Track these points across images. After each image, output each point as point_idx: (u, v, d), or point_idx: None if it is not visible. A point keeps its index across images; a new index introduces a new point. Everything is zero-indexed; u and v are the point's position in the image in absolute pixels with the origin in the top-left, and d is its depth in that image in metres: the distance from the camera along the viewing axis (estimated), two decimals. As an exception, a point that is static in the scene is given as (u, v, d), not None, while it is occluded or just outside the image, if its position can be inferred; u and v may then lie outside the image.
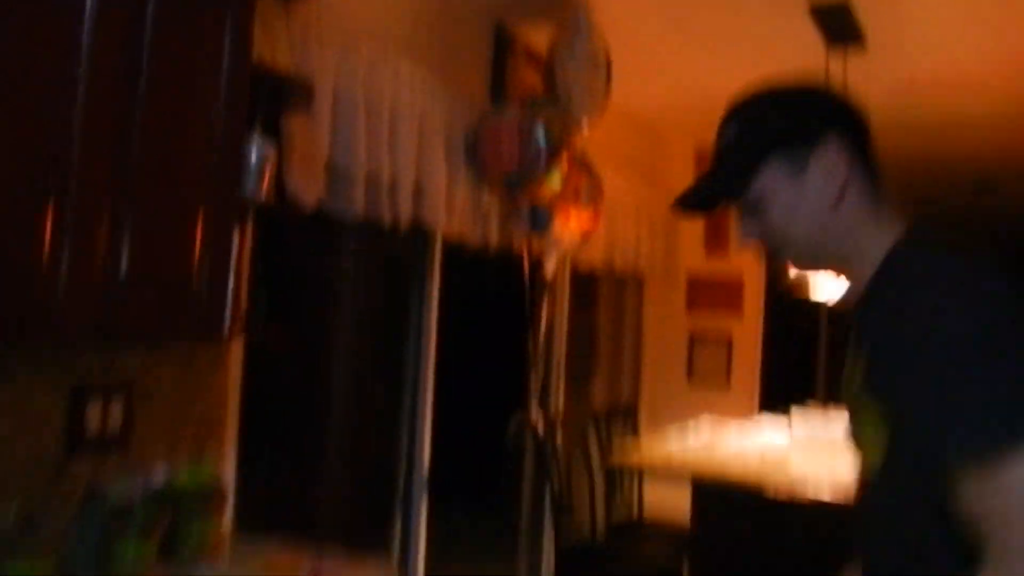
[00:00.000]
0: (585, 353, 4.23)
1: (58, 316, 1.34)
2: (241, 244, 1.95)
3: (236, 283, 1.72)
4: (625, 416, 3.91)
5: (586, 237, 2.90)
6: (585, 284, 4.02)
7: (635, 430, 3.89)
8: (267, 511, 2.28)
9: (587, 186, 2.84)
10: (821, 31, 2.90)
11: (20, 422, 1.62)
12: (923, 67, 3.27)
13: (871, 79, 3.16)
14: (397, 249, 2.78)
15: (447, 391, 3.01)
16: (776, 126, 1.07)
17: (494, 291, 4.15)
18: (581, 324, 4.10)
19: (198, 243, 1.59)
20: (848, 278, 1.11)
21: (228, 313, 1.64)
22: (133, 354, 1.84)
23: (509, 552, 3.68)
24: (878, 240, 1.04)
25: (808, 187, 1.05)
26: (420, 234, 2.69)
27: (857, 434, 1.07)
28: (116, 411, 1.81)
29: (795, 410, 3.84)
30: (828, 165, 1.05)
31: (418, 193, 2.47)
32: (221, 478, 2.04)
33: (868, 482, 1.05)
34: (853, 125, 1.09)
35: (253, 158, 1.77)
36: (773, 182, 1.06)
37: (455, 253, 2.91)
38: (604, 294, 4.32)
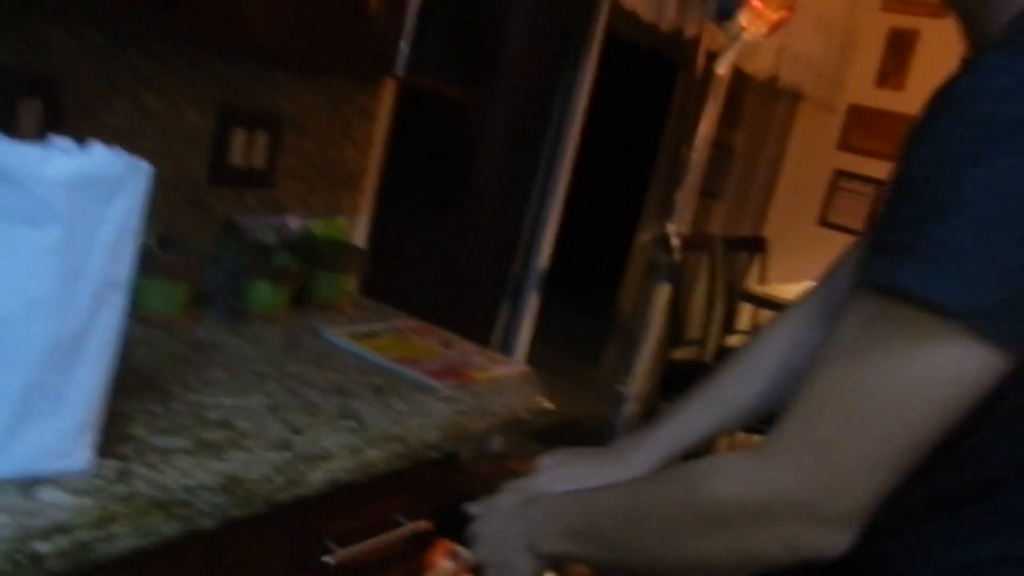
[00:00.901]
0: (714, 172, 3.91)
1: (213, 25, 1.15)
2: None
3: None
4: (750, 247, 3.66)
5: (773, 32, 2.51)
6: (734, 93, 3.63)
7: (758, 263, 3.65)
8: (389, 278, 2.17)
9: (790, -28, 2.42)
10: None
11: (168, 139, 1.48)
12: None
13: None
14: (565, 23, 2.46)
15: (578, 183, 2.81)
16: None
17: (643, 84, 3.78)
18: (718, 139, 3.76)
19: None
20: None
21: (403, 49, 1.41)
22: (284, 83, 1.65)
23: (604, 357, 3.62)
24: None
25: None
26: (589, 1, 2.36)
27: None
28: (261, 142, 1.65)
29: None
30: None
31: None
32: (355, 235, 1.91)
33: None
34: None
35: None
36: None
37: (616, 36, 2.58)
38: (750, 109, 3.92)
